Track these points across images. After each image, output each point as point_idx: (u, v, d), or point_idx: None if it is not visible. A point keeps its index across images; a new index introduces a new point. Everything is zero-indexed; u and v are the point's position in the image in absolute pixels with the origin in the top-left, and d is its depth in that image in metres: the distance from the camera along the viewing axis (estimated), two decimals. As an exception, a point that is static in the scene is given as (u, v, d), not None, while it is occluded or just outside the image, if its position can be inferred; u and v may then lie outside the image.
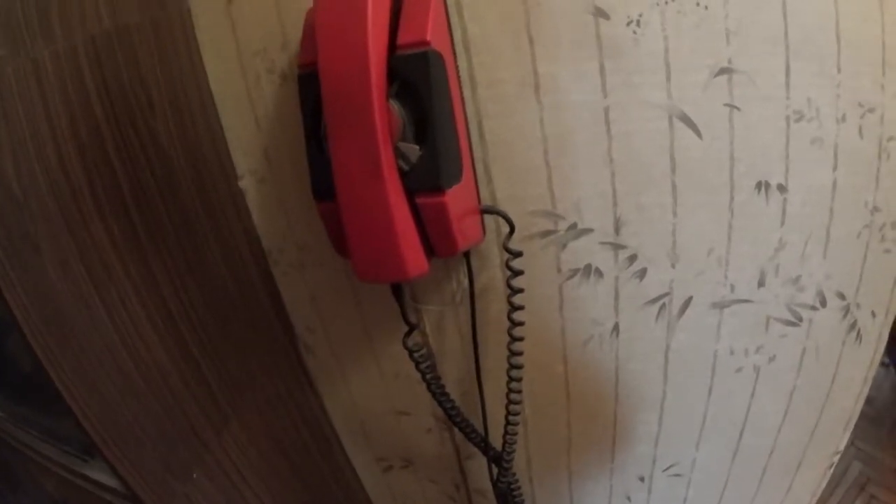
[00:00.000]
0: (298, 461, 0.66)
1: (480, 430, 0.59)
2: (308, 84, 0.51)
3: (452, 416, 0.58)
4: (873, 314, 0.61)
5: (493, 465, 0.60)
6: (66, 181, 0.54)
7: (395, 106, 0.48)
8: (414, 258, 0.49)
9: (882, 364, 0.62)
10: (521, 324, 0.54)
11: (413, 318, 0.55)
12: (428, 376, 0.55)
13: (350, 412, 0.62)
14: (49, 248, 0.54)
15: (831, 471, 0.67)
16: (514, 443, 0.58)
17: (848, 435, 0.67)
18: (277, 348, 0.63)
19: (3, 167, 0.52)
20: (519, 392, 0.56)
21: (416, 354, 0.54)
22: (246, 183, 0.59)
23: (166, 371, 0.58)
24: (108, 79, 0.55)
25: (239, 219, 0.60)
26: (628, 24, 0.51)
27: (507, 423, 0.57)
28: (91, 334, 0.56)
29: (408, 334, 0.53)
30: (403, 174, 0.48)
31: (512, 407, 0.56)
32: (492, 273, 0.55)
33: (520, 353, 0.54)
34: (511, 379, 0.55)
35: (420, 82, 0.48)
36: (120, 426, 0.57)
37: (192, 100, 0.58)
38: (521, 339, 0.54)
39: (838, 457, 0.67)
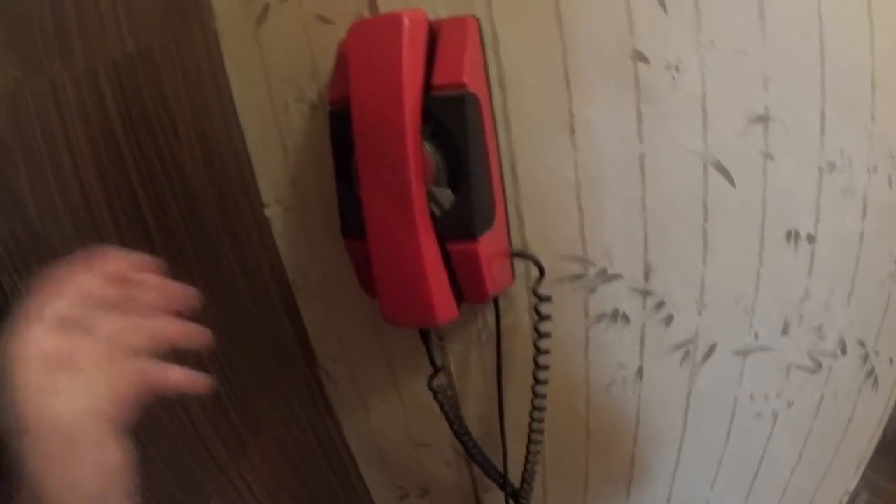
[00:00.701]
0: (315, 486, 0.64)
1: (499, 465, 0.58)
2: (340, 121, 0.48)
3: (473, 454, 0.56)
4: (891, 361, 0.60)
5: (512, 501, 0.58)
6: (87, 209, 0.51)
7: (428, 149, 0.45)
8: (444, 305, 0.47)
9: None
10: (546, 367, 0.52)
11: (439, 360, 0.53)
12: (450, 415, 0.53)
13: (369, 440, 0.60)
14: (69, 276, 0.51)
15: (839, 509, 0.66)
16: (533, 479, 0.56)
17: (859, 476, 0.65)
18: (298, 375, 0.61)
19: (21, 195, 0.49)
20: (541, 432, 0.54)
21: (439, 395, 0.52)
22: (272, 211, 0.57)
23: (184, 397, 0.56)
24: (131, 102, 0.52)
25: (264, 247, 0.57)
26: (667, 68, 0.49)
27: (527, 461, 0.55)
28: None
29: (433, 376, 0.51)
30: (435, 219, 0.46)
31: (532, 447, 0.54)
32: (519, 314, 0.53)
33: (543, 396, 0.52)
34: (533, 420, 0.53)
35: (455, 126, 0.45)
36: (135, 450, 0.55)
37: (218, 125, 0.55)
38: (545, 381, 0.52)
39: (848, 497, 0.66)
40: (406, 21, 0.43)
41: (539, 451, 0.54)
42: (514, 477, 0.57)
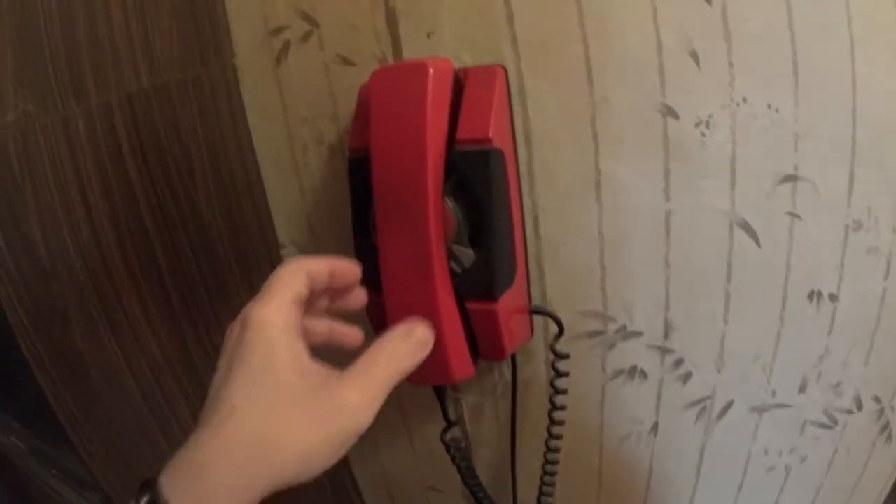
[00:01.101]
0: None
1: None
2: (359, 169, 0.46)
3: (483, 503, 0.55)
4: (905, 415, 0.58)
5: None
6: (98, 248, 0.49)
7: (450, 204, 0.43)
8: (460, 363, 0.45)
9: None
10: (560, 422, 0.50)
11: (452, 413, 0.51)
12: (462, 467, 0.52)
13: (379, 482, 0.58)
14: (77, 317, 0.50)
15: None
16: None
17: (866, 527, 0.64)
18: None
19: (31, 233, 0.47)
20: (552, 485, 0.52)
21: (452, 449, 0.50)
22: (288, 252, 0.55)
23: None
24: (145, 139, 0.50)
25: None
26: (697, 125, 0.47)
27: None
28: (120, 407, 0.51)
29: (446, 430, 0.50)
30: (455, 276, 0.44)
31: (544, 498, 0.53)
32: (536, 367, 0.51)
33: (557, 450, 0.51)
34: (545, 473, 0.52)
35: (479, 182, 0.43)
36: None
37: (235, 163, 0.53)
38: (559, 436, 0.50)
39: (853, 546, 0.65)
40: (431, 70, 0.41)
41: (550, 503, 0.53)
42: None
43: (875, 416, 0.56)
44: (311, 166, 0.51)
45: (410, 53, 0.48)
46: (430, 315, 0.43)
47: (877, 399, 0.56)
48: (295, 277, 0.35)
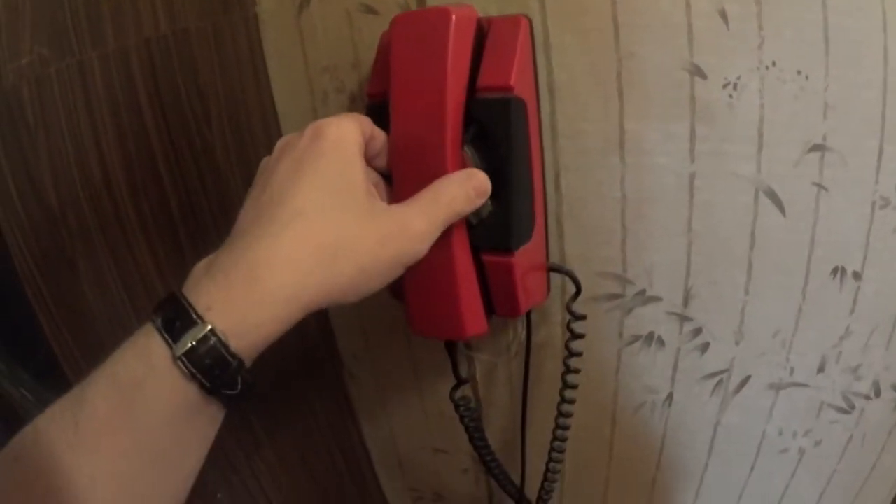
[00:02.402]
0: (329, 487, 0.59)
1: (517, 479, 0.53)
2: (377, 115, 0.44)
3: (491, 467, 0.51)
4: (923, 405, 0.55)
5: (526, 516, 0.54)
6: (109, 195, 0.47)
7: (469, 153, 0.41)
8: (473, 318, 0.42)
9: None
10: (574, 386, 0.47)
11: (463, 371, 0.48)
12: (471, 427, 0.49)
13: (388, 443, 0.55)
14: (86, 266, 0.47)
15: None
16: (550, 497, 0.52)
17: (877, 519, 0.60)
18: (321, 374, 0.56)
19: (42, 178, 0.45)
20: (562, 451, 0.49)
21: (461, 408, 0.47)
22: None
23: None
24: (162, 87, 0.48)
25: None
26: (725, 86, 0.44)
27: (546, 478, 0.50)
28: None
29: (455, 387, 0.46)
30: (471, 227, 0.41)
31: (553, 465, 0.49)
32: (551, 330, 0.48)
33: (569, 415, 0.47)
34: (556, 438, 0.48)
35: (499, 131, 0.40)
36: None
37: (253, 114, 0.50)
38: (572, 401, 0.47)
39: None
40: (454, 17, 0.38)
41: (559, 470, 0.50)
42: (532, 492, 0.53)
43: (893, 404, 0.53)
44: (330, 115, 0.49)
45: (434, 2, 0.45)
46: (445, 267, 0.40)
47: (895, 387, 0.52)
48: (364, 118, 0.36)
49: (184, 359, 0.28)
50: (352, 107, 0.48)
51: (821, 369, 0.50)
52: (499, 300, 0.42)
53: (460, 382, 0.46)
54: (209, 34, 0.49)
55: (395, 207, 0.34)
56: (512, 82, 0.40)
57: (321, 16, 0.48)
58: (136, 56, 0.47)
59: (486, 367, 0.51)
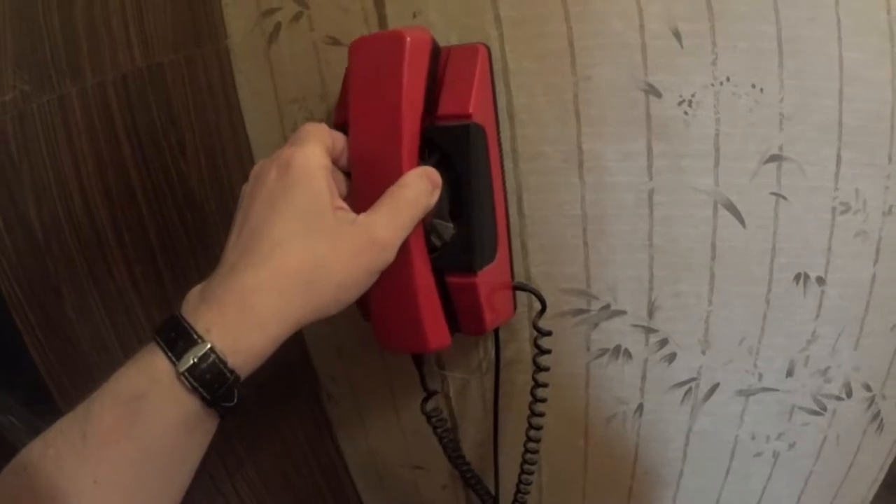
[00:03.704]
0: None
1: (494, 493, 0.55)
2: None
3: (467, 478, 0.53)
4: (897, 405, 0.56)
5: (503, 528, 0.56)
6: (90, 224, 0.49)
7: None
8: (436, 332, 0.43)
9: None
10: (543, 400, 0.49)
11: (435, 385, 0.50)
12: (444, 440, 0.51)
13: (367, 461, 0.57)
14: (70, 291, 0.49)
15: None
16: None
17: (858, 518, 0.62)
18: (299, 395, 0.58)
19: (25, 208, 0.47)
20: (534, 463, 0.51)
21: (433, 420, 0.49)
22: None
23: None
24: (139, 119, 0.50)
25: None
26: (680, 103, 0.45)
27: (518, 490, 0.52)
28: (109, 377, 0.51)
29: (425, 400, 0.48)
30: (435, 250, 0.43)
31: (525, 476, 0.51)
32: (520, 346, 0.50)
33: (539, 428, 0.49)
34: (527, 451, 0.50)
35: (460, 156, 0.42)
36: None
37: (227, 143, 0.52)
38: (541, 414, 0.49)
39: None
40: (408, 39, 0.40)
41: (531, 481, 0.51)
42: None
43: (865, 404, 0.54)
44: (300, 146, 0.51)
45: (397, 32, 0.47)
46: (405, 282, 0.42)
47: (867, 387, 0.54)
48: (323, 130, 0.38)
49: (186, 374, 0.31)
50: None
51: (790, 373, 0.52)
52: (465, 319, 0.44)
53: (429, 394, 0.48)
54: (182, 67, 0.51)
55: (361, 219, 0.36)
56: (470, 110, 0.42)
57: (289, 48, 0.50)
58: (114, 90, 0.50)
59: (458, 385, 0.53)
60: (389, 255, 0.37)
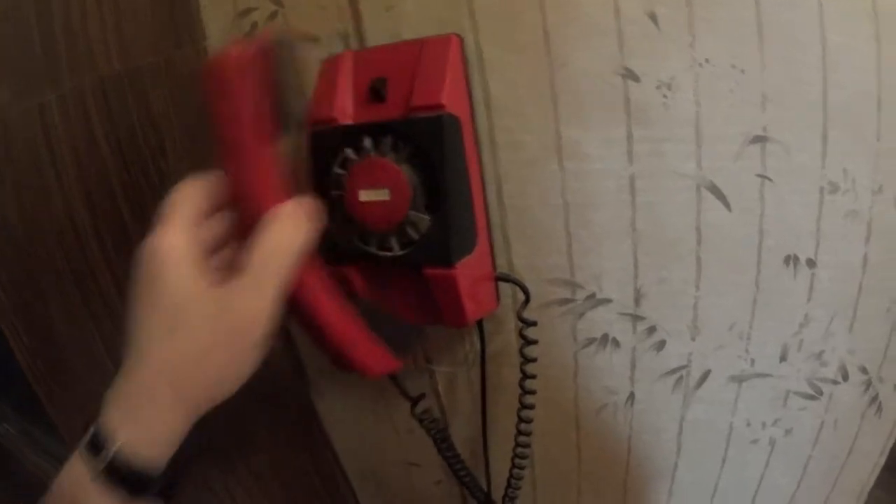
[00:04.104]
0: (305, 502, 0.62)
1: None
2: (319, 142, 0.46)
3: (461, 476, 0.53)
4: (895, 387, 0.55)
5: (498, 523, 0.55)
6: (73, 229, 0.49)
7: (406, 172, 0.42)
8: (373, 360, 0.42)
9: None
10: (532, 392, 0.48)
11: (423, 381, 0.50)
12: (438, 439, 0.50)
13: (361, 459, 0.56)
14: (54, 295, 0.49)
15: (841, 537, 0.62)
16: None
17: (861, 503, 0.61)
18: (288, 393, 0.58)
19: (8, 215, 0.47)
20: (525, 457, 0.50)
21: (425, 422, 0.49)
22: (259, 230, 0.54)
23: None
24: (117, 121, 0.50)
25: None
26: (658, 87, 0.45)
27: (509, 484, 0.52)
28: (95, 380, 0.51)
29: (414, 405, 0.48)
30: (412, 243, 0.43)
31: (516, 471, 0.51)
32: (506, 338, 0.50)
33: (529, 420, 0.49)
34: (518, 444, 0.49)
35: (434, 148, 0.41)
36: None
37: (207, 143, 0.52)
38: (531, 406, 0.49)
39: (849, 523, 0.61)
40: (222, 61, 0.36)
41: (522, 476, 0.51)
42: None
43: (862, 387, 0.53)
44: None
45: (371, 28, 0.47)
46: (321, 324, 0.40)
47: (863, 370, 0.53)
48: (186, 196, 0.35)
49: (104, 475, 0.33)
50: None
51: (783, 358, 0.51)
52: (447, 312, 0.44)
53: (416, 401, 0.47)
54: (162, 69, 0.51)
55: (232, 294, 0.34)
56: (443, 100, 0.41)
57: (265, 46, 0.50)
58: (92, 95, 0.50)
59: (446, 379, 0.52)
60: (263, 327, 0.35)
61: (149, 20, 0.50)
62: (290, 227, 0.35)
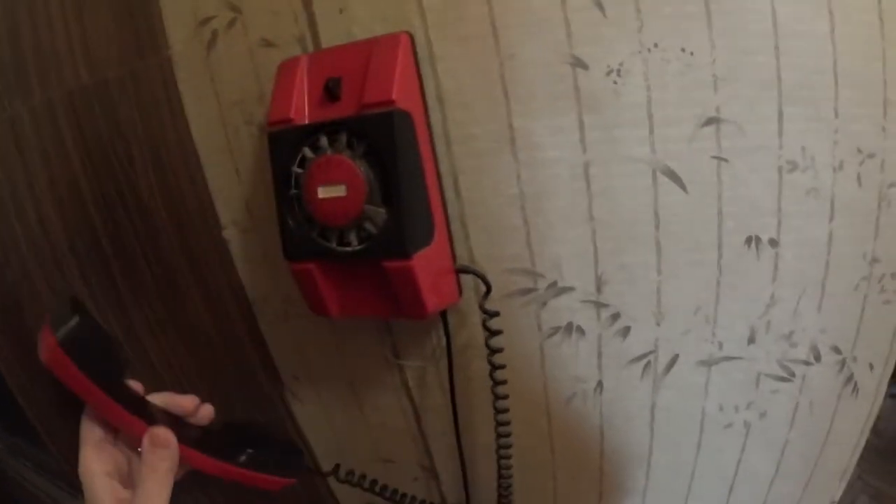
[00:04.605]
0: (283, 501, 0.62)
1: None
2: (277, 143, 0.46)
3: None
4: (871, 366, 0.54)
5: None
6: (46, 239, 0.50)
7: (361, 167, 0.43)
8: (267, 485, 0.47)
9: (890, 396, 0.56)
10: (503, 382, 0.48)
11: (397, 377, 0.50)
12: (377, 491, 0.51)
13: (338, 457, 0.57)
14: (30, 305, 0.50)
15: (826, 520, 0.60)
16: (510, 494, 0.53)
17: (844, 485, 0.59)
18: (263, 398, 0.58)
19: (-20, 227, 0.48)
20: (509, 447, 0.50)
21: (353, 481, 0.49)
22: (230, 233, 0.54)
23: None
24: (87, 134, 0.51)
25: (223, 269, 0.55)
26: (608, 73, 0.45)
27: (500, 476, 0.51)
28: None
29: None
30: (370, 237, 0.43)
31: (503, 461, 0.50)
32: (471, 330, 0.49)
33: (506, 411, 0.48)
34: (500, 435, 0.49)
35: (386, 143, 0.41)
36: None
37: (174, 152, 0.53)
38: (505, 396, 0.48)
39: (833, 507, 0.60)
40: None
41: (510, 465, 0.50)
42: (488, 497, 0.54)
43: (836, 367, 0.53)
44: (243, 148, 0.51)
45: (326, 30, 0.47)
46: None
47: (836, 349, 0.52)
48: (88, 425, 0.40)
49: None
50: (261, 137, 0.50)
51: (751, 340, 0.50)
52: (407, 304, 0.44)
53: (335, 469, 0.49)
54: (127, 80, 0.52)
55: None
56: (393, 96, 0.42)
57: (227, 54, 0.50)
58: (62, 107, 0.51)
59: (416, 374, 0.52)
60: None
61: (112, 32, 0.51)
62: (154, 460, 0.40)
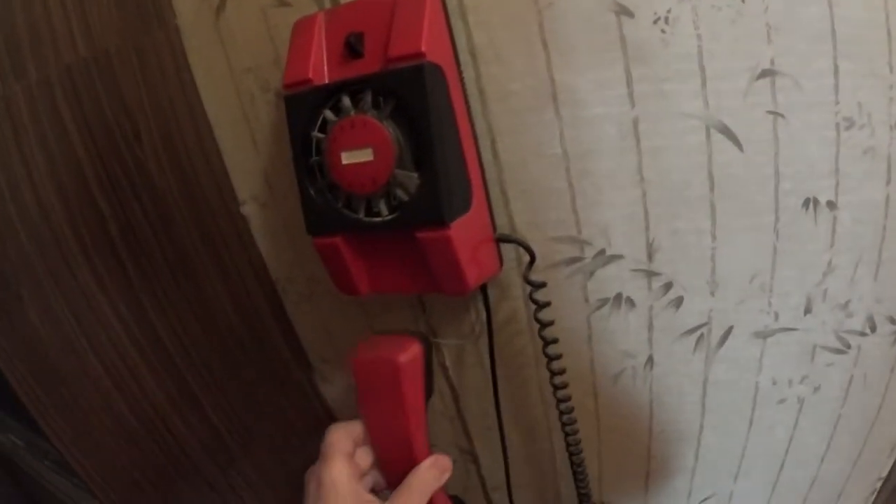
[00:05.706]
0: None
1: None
2: (295, 106, 0.39)
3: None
4: (925, 336, 0.48)
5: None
6: (47, 224, 0.42)
7: (389, 128, 0.35)
8: None
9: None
10: (558, 357, 0.40)
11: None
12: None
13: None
14: (31, 295, 0.42)
15: (873, 497, 0.54)
16: (585, 479, 0.45)
17: (892, 461, 0.53)
18: (291, 382, 0.51)
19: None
20: (573, 423, 0.42)
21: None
22: (249, 209, 0.47)
23: (165, 413, 0.46)
24: (88, 111, 0.43)
25: (243, 249, 0.47)
26: (655, 21, 0.38)
27: (572, 464, 0.44)
28: (81, 380, 0.44)
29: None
30: (402, 205, 0.36)
31: (570, 438, 0.43)
32: (513, 304, 0.42)
33: (564, 386, 0.41)
34: (562, 412, 0.42)
35: (415, 100, 0.34)
36: (116, 470, 0.46)
37: (185, 125, 0.45)
38: (562, 371, 0.41)
39: (881, 482, 0.53)
40: (401, 362, 0.38)
41: (579, 441, 0.43)
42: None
43: (891, 338, 0.46)
44: (260, 117, 0.44)
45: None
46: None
47: (891, 320, 0.45)
48: (340, 437, 0.39)
49: None
50: (278, 104, 0.43)
51: (808, 310, 0.43)
52: (445, 278, 0.37)
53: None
54: (131, 52, 0.44)
55: None
56: (423, 48, 0.35)
57: (237, 17, 0.43)
58: (59, 83, 0.43)
59: (454, 353, 0.45)
60: None
61: (114, 4, 0.43)
62: (433, 474, 0.39)
